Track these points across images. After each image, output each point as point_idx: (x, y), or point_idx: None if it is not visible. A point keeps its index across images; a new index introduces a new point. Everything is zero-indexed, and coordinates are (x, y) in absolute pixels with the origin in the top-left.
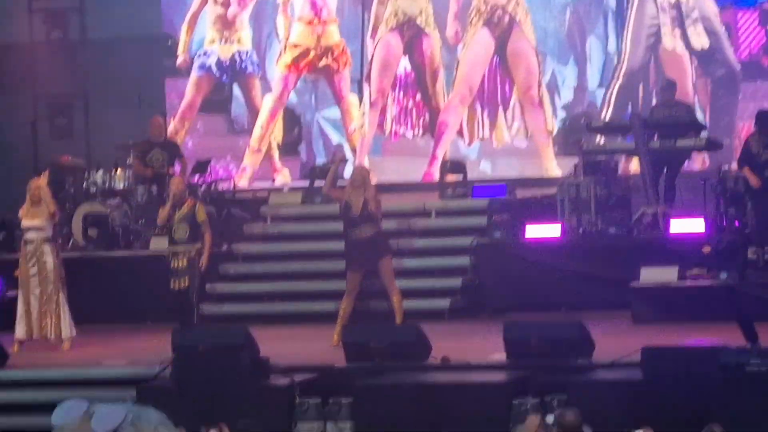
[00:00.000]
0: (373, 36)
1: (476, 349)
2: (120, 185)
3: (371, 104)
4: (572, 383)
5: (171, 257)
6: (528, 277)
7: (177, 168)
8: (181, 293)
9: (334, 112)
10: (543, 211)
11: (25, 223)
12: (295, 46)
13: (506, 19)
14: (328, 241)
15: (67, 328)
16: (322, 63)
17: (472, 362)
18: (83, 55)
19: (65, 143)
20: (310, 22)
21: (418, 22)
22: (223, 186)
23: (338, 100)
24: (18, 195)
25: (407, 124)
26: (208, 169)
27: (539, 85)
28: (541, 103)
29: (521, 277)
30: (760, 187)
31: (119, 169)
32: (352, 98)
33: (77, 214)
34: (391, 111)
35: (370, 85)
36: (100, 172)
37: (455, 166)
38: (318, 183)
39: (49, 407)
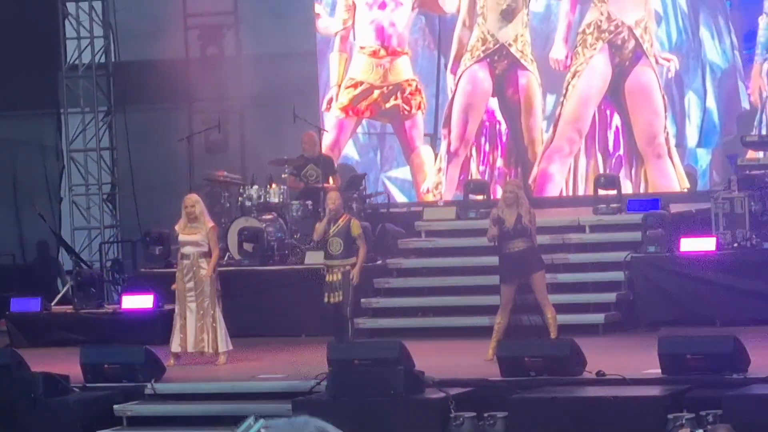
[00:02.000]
0: (454, 69)
1: (631, 363)
2: (275, 200)
3: (450, 156)
4: (727, 398)
5: (326, 271)
6: (683, 291)
7: (331, 184)
8: (335, 307)
9: (403, 172)
10: (697, 225)
11: (182, 238)
12: (355, 84)
13: (631, 44)
14: (483, 256)
15: (223, 342)
16: (389, 104)
17: (627, 376)
18: (238, 71)
19: (220, 158)
20: (374, 54)
21: (512, 50)
22: (378, 200)
23: (408, 152)
24: (174, 210)
25: (496, 181)
26: (363, 184)
27: (666, 133)
28: (669, 154)
29: (676, 291)
30: None
31: (274, 184)
32: (425, 150)
33: (233, 228)
34: (476, 165)
35: (449, 132)
36: (255, 187)
37: (609, 180)
38: (472, 196)
39: (204, 420)
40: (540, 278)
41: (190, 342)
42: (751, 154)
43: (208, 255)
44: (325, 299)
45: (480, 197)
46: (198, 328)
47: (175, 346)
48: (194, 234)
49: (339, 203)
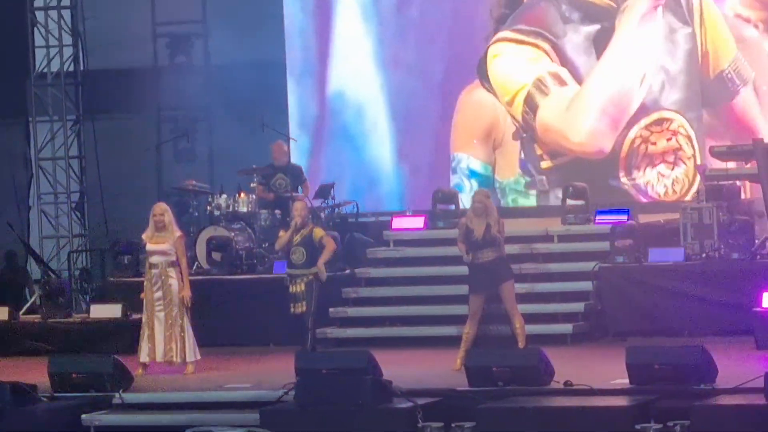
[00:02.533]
0: None
1: (599, 373)
2: (243, 209)
3: None
4: (695, 409)
5: (288, 282)
6: (650, 302)
7: (300, 192)
8: (298, 317)
9: None
10: (665, 235)
11: (150, 247)
12: None
13: None
14: (451, 265)
15: (191, 351)
16: None
17: (595, 387)
18: (207, 79)
19: (189, 167)
20: None
21: None
22: (346, 209)
23: None
24: (143, 219)
25: None
26: (332, 193)
27: None
28: None
29: (644, 302)
30: None
31: (243, 193)
32: None
33: (201, 237)
34: None
35: None
36: (224, 196)
37: (578, 190)
38: (441, 206)
39: (172, 430)
40: (509, 288)
41: (159, 351)
42: (719, 164)
43: (176, 264)
44: (291, 309)
45: (449, 207)
46: (166, 338)
47: (143, 355)
48: (162, 243)
49: (306, 213)
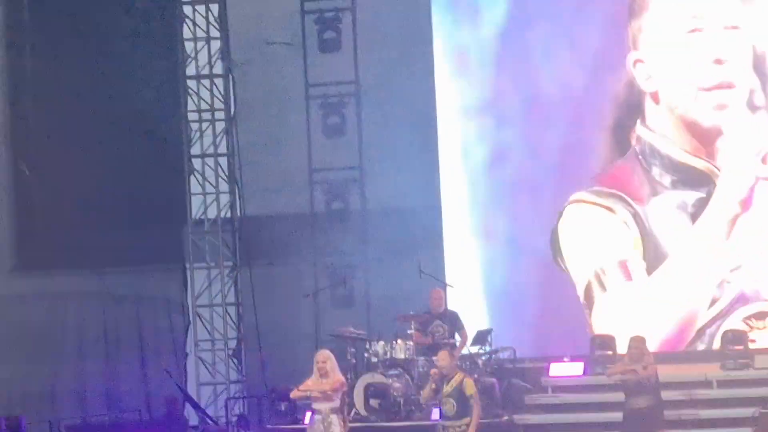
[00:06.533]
0: None
1: None
2: (401, 355)
3: None
4: None
5: (440, 431)
6: None
7: (457, 339)
8: None
9: None
10: None
11: (314, 393)
12: None
13: None
14: (611, 411)
15: None
16: None
17: None
18: (363, 225)
19: (346, 313)
20: None
21: None
22: (504, 355)
23: None
24: (300, 365)
25: None
26: (489, 339)
27: None
28: None
29: None
30: None
31: (400, 340)
32: None
33: (359, 384)
34: None
35: None
36: (381, 342)
37: (736, 336)
38: (599, 352)
39: None
40: None
41: None
42: None
43: (339, 411)
44: None
45: (606, 352)
46: None
47: None
48: (326, 389)
49: (448, 362)
